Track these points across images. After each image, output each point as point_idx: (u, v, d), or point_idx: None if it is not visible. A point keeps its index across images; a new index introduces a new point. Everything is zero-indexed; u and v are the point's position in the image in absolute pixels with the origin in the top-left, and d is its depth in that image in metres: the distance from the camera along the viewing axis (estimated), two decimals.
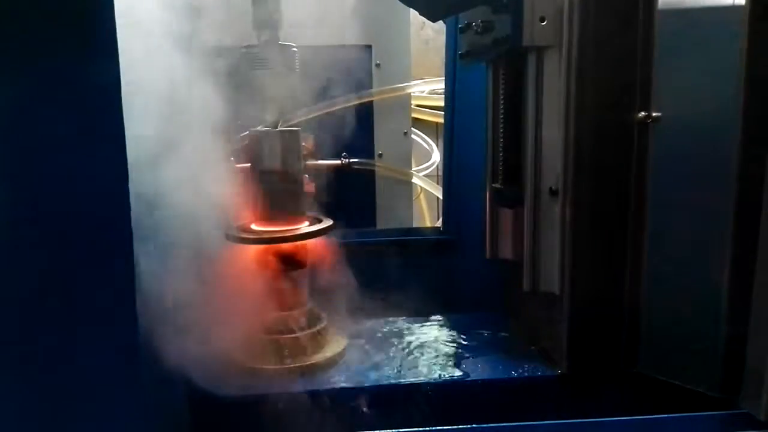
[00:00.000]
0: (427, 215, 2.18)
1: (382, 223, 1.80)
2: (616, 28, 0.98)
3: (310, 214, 1.18)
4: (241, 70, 1.08)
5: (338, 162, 1.70)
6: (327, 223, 1.15)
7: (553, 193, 1.01)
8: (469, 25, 1.12)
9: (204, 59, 1.05)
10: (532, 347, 1.15)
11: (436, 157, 2.02)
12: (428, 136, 2.08)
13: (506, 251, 1.18)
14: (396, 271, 1.30)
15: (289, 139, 1.11)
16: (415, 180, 1.86)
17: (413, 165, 1.90)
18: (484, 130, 1.19)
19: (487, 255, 1.20)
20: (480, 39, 1.10)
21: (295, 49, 1.08)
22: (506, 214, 1.16)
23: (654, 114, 0.97)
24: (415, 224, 1.96)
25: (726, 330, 0.93)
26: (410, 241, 1.44)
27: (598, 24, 0.97)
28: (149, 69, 0.91)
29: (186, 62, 0.99)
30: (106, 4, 0.70)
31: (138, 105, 0.80)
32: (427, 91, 1.93)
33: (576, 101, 0.98)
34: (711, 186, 0.93)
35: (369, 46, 1.72)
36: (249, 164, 1.14)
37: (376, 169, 1.78)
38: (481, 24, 1.07)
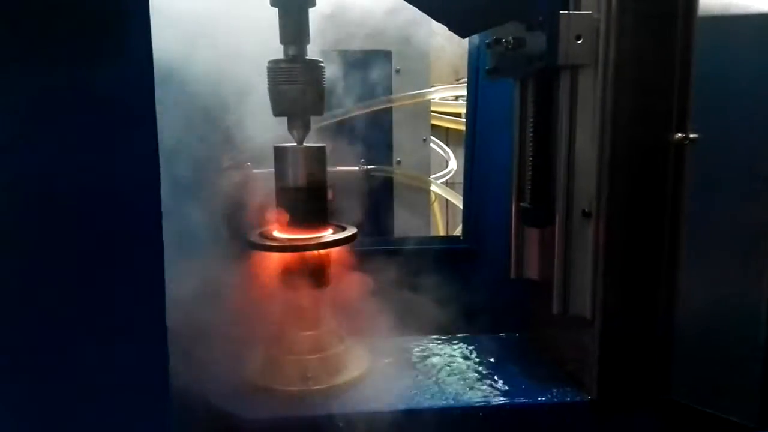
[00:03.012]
0: (440, 222, 2.16)
1: (399, 231, 1.78)
2: (653, 47, 0.95)
3: (332, 223, 1.16)
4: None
5: (356, 169, 1.68)
6: (351, 231, 1.12)
7: (586, 214, 0.99)
8: (498, 41, 1.08)
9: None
10: (560, 370, 1.13)
11: (453, 164, 1.99)
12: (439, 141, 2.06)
13: (532, 271, 1.16)
14: (415, 280, 1.28)
15: (315, 155, 1.09)
16: (433, 188, 1.84)
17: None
18: (509, 147, 1.16)
19: (512, 274, 1.18)
20: (510, 55, 1.07)
21: (322, 64, 1.05)
22: (533, 234, 1.14)
23: (691, 135, 0.95)
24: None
25: (764, 357, 0.91)
26: (429, 249, 1.41)
27: (634, 43, 0.94)
28: None
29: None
30: (140, 8, 0.68)
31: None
32: (438, 98, 1.90)
33: (611, 121, 0.96)
34: (749, 209, 0.91)
35: (389, 52, 1.70)
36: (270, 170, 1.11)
37: (394, 176, 1.76)
38: (512, 40, 1.04)
